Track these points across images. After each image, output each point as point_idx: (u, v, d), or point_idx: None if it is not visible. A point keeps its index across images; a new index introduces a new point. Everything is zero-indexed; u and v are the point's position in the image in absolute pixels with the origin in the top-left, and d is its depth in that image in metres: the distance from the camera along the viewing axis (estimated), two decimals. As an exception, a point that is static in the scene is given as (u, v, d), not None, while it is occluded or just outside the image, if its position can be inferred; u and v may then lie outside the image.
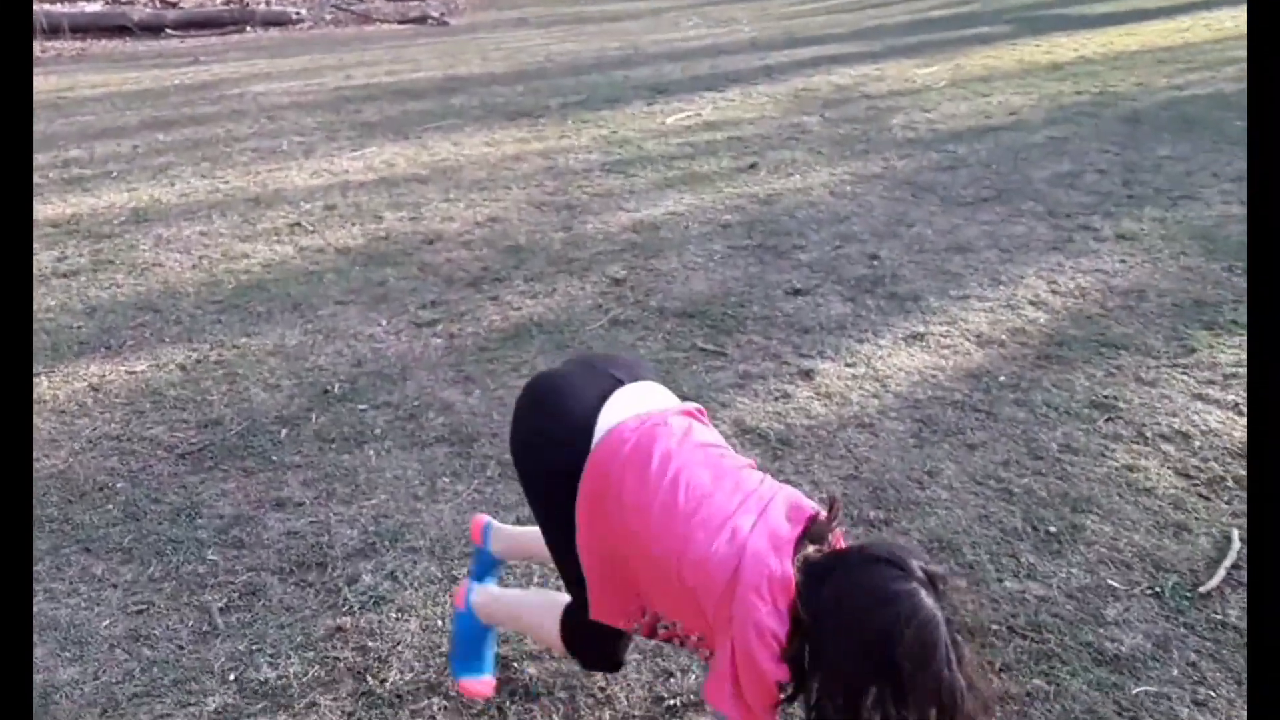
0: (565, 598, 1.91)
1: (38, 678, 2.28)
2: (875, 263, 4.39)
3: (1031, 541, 2.54)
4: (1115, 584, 2.39)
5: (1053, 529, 2.58)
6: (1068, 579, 2.40)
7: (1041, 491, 2.73)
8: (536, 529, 1.95)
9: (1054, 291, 4.06)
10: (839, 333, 3.74)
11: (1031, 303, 3.95)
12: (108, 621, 2.48)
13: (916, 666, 1.31)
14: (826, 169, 6.05)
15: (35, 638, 2.42)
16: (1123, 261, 4.36)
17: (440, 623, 2.38)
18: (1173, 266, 4.28)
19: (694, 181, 5.90)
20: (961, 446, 2.97)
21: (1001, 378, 3.33)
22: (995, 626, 2.24)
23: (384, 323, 4.16)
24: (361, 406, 3.48)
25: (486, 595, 2.18)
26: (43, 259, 5.32)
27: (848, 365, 3.49)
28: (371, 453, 3.18)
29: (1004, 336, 3.65)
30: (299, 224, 5.54)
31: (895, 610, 1.34)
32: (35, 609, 2.53)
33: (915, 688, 1.31)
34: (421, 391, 3.54)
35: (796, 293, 4.11)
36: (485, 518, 2.37)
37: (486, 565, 2.33)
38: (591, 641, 1.85)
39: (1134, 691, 2.06)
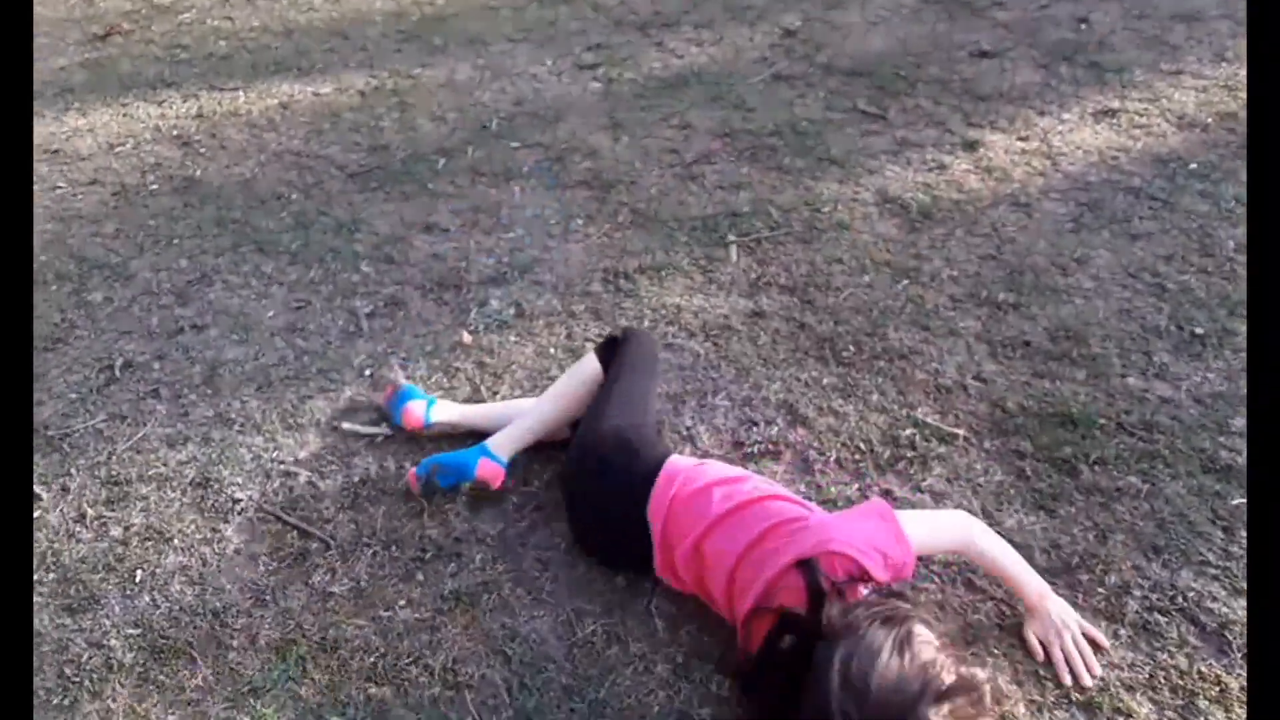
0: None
1: (208, 354, 2.63)
2: (1083, 26, 3.89)
3: (1172, 341, 2.36)
4: (1253, 395, 2.21)
5: (1199, 330, 2.37)
6: (1200, 383, 2.23)
7: (1200, 291, 2.49)
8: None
9: (1291, 73, 3.49)
10: (1019, 102, 3.40)
11: (1259, 84, 3.43)
12: (271, 313, 2.78)
13: None
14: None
15: (209, 320, 2.77)
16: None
17: (553, 351, 2.53)
18: None
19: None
20: (1123, 235, 2.73)
21: (1192, 165, 2.97)
22: (1102, 421, 2.14)
23: (548, 63, 4.14)
24: (514, 144, 3.55)
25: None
26: (249, -20, 5.57)
27: (1019, 139, 3.21)
28: (516, 189, 3.28)
29: (1210, 120, 3.21)
30: (484, -45, 5.47)
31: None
32: (211, 298, 2.87)
33: None
34: (572, 134, 3.56)
35: (983, 55, 3.74)
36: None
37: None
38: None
39: (1234, 502, 1.94)
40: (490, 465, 2.10)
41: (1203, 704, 1.61)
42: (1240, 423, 2.12)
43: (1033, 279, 2.60)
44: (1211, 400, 2.19)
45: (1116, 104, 3.33)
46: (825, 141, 3.30)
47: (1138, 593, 1.79)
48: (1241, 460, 2.03)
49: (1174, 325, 2.40)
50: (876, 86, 3.61)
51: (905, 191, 3.00)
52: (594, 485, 1.93)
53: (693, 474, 1.82)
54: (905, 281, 2.64)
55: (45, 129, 4.07)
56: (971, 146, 3.18)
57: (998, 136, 3.23)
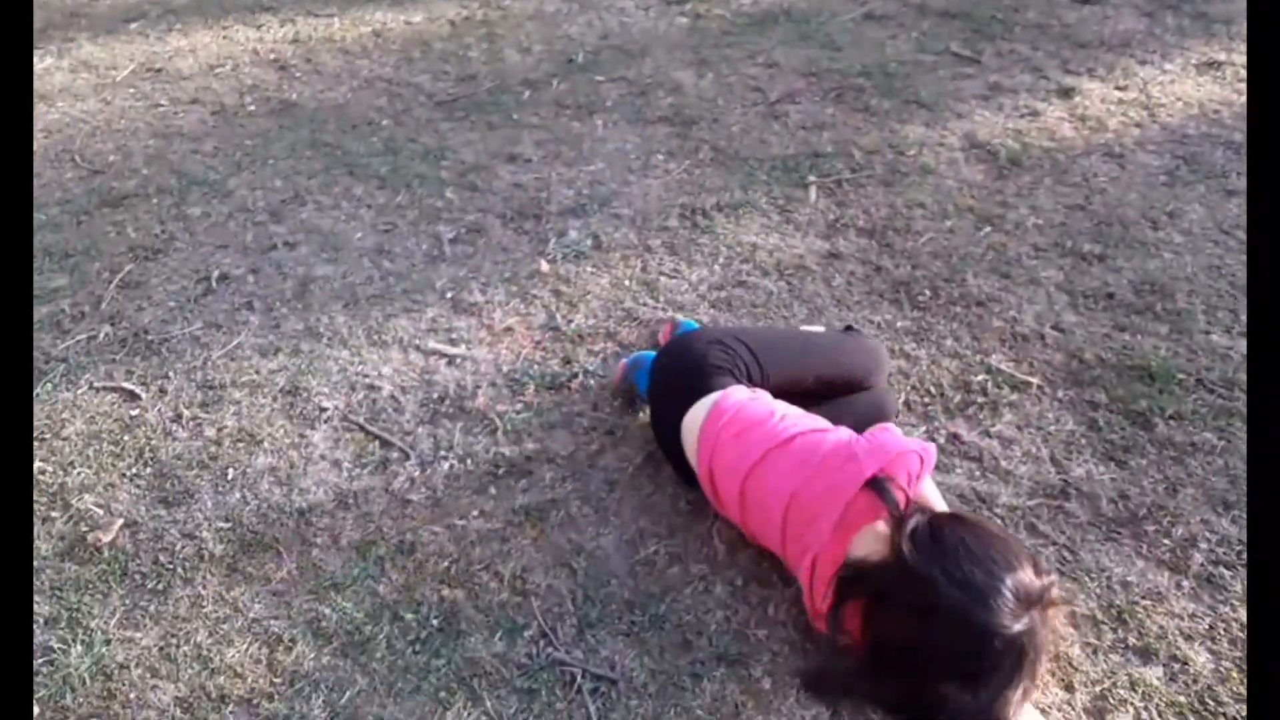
0: None
1: (299, 270, 2.74)
2: (1194, -26, 3.72)
3: (1262, 301, 2.29)
4: (1345, 359, 2.14)
5: (1293, 291, 2.30)
6: (1289, 345, 2.17)
7: (1297, 251, 2.41)
8: None
9: None
10: (1120, 50, 3.29)
11: (1383, 38, 3.25)
12: (360, 235, 2.87)
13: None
14: None
15: (301, 238, 2.87)
16: None
17: (628, 284, 2.57)
18: None
19: None
20: (1219, 191, 2.64)
21: (1301, 121, 2.85)
22: (1182, 376, 2.11)
23: (637, -4, 4.12)
24: (599, 78, 3.56)
25: None
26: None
27: (1117, 88, 3.10)
28: (599, 123, 3.30)
29: (1325, 74, 3.07)
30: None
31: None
32: (303, 217, 2.97)
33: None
34: (657, 70, 3.55)
35: (1085, 1, 3.61)
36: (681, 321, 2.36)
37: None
38: None
39: (1314, 463, 1.91)
40: None
41: (1262, 659, 1.60)
42: (1328, 386, 2.07)
43: (1121, 231, 2.54)
44: (1300, 362, 2.13)
45: (1222, 56, 3.19)
46: (914, 83, 3.24)
47: (1204, 545, 1.78)
48: (1326, 423, 1.98)
49: (1266, 284, 2.33)
50: (972, 29, 3.51)
51: (994, 137, 2.94)
52: (660, 380, 1.99)
53: (741, 412, 1.80)
54: (988, 228, 2.61)
55: (149, 48, 4.21)
56: (1067, 94, 3.10)
57: (1095, 85, 3.13)
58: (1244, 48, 3.21)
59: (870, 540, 1.54)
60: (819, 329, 2.23)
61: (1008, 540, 1.50)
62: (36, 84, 3.90)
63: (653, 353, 2.21)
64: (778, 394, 1.90)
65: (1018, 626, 1.39)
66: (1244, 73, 3.09)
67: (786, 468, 1.67)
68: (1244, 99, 2.98)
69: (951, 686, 1.41)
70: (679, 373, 1.93)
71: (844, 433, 1.72)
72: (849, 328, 2.21)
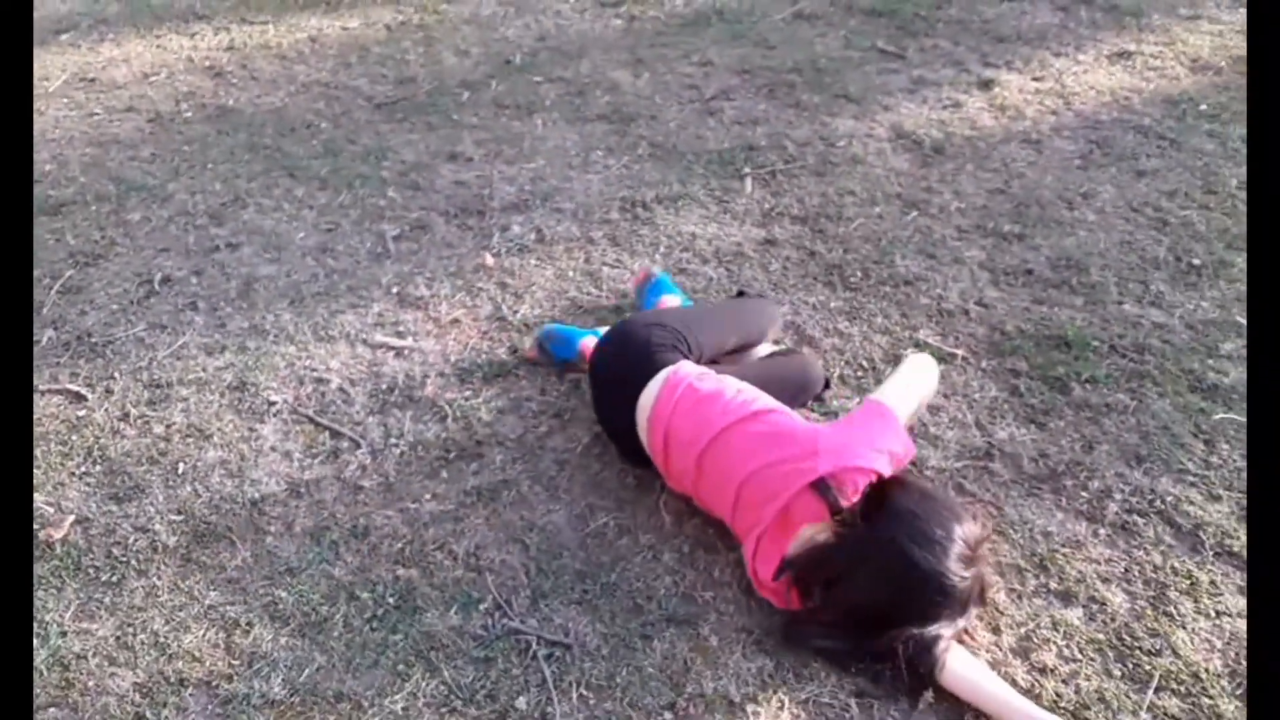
0: None
1: (242, 270, 2.75)
2: (1104, -29, 3.91)
3: (1169, 272, 2.44)
4: (1244, 321, 2.29)
5: (1197, 262, 2.45)
6: (1194, 311, 2.32)
7: (1200, 225, 2.57)
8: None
9: (1310, 18, 3.51)
10: (1036, 43, 3.45)
11: (1276, 29, 3.46)
12: (302, 234, 2.90)
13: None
14: None
15: (243, 240, 2.89)
16: None
17: (571, 274, 2.63)
18: None
19: None
20: (1130, 172, 2.79)
21: (1203, 107, 3.02)
22: (1096, 343, 2.24)
23: (571, 0, 4.20)
24: (537, 78, 3.63)
25: None
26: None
27: (1034, 79, 3.26)
28: (539, 122, 3.36)
29: (1224, 64, 3.25)
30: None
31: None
32: (244, 219, 2.98)
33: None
34: (594, 69, 3.63)
35: (1002, -3, 3.78)
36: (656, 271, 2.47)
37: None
38: None
39: (1216, 417, 2.04)
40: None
41: (1173, 595, 1.72)
42: (1229, 347, 2.22)
43: (1038, 212, 2.68)
44: (1203, 326, 2.28)
45: (1132, 46, 3.37)
46: (843, 79, 3.36)
47: (1118, 496, 1.90)
48: (1228, 380, 2.12)
49: (1173, 256, 2.48)
50: (897, 26, 3.66)
51: (919, 128, 3.07)
52: (608, 366, 2.05)
53: (695, 385, 1.88)
54: (914, 213, 2.73)
55: (81, 58, 4.17)
56: (987, 85, 3.24)
57: (1013, 76, 3.28)
58: (1153, 38, 3.40)
59: (815, 532, 1.64)
60: (721, 299, 2.40)
61: (946, 497, 1.66)
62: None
63: (564, 326, 2.32)
64: (708, 362, 1.99)
65: (971, 571, 1.56)
66: (1152, 61, 3.27)
67: (750, 443, 1.75)
68: (1152, 86, 3.15)
69: (909, 629, 1.54)
70: (626, 357, 2.00)
71: (798, 419, 1.82)
72: (741, 292, 2.38)
